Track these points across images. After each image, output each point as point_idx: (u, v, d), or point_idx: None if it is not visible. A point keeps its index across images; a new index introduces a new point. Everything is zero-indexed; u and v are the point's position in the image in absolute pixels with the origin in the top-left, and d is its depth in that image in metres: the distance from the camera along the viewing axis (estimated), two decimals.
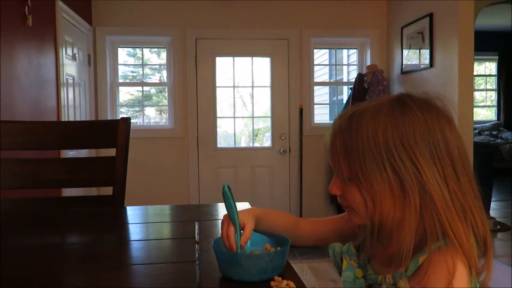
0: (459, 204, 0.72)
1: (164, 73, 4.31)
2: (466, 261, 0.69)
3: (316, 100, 4.46)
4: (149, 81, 4.45)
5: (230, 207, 0.85)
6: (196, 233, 1.13)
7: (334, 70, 4.84)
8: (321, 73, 5.04)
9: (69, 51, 3.33)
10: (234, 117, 4.30)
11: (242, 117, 4.44)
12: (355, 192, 0.75)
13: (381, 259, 0.81)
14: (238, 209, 0.86)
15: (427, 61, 3.50)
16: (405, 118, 0.72)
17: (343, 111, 0.80)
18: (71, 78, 3.39)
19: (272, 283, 0.76)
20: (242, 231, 0.86)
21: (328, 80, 5.01)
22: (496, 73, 8.26)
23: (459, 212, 0.71)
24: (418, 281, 0.70)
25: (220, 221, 1.30)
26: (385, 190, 0.72)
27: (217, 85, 4.16)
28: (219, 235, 0.87)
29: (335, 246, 0.92)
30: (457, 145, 0.74)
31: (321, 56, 5.03)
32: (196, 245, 1.02)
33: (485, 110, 8.53)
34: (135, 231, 1.25)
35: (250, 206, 1.42)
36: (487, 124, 7.97)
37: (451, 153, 0.73)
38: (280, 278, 0.77)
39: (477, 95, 8.40)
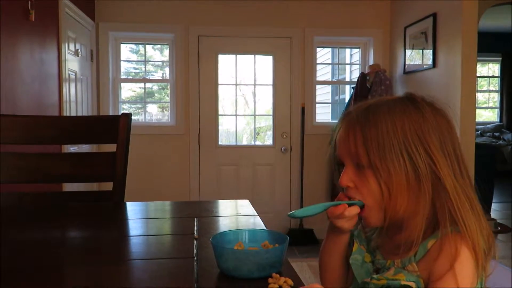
0: (466, 196, 0.76)
1: (167, 70, 4.31)
2: (472, 248, 0.72)
3: (318, 99, 4.45)
4: (151, 78, 4.45)
5: (316, 208, 0.83)
6: (195, 229, 1.13)
7: (336, 69, 4.83)
8: (323, 72, 5.03)
9: (72, 47, 3.34)
10: (236, 115, 4.29)
11: (244, 115, 4.44)
12: (372, 181, 0.78)
13: (388, 249, 0.84)
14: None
15: (430, 62, 3.49)
16: (419, 113, 0.78)
17: (356, 105, 0.84)
18: (73, 73, 3.40)
19: (270, 280, 0.76)
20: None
21: (330, 79, 5.00)
22: (499, 75, 8.24)
23: (467, 203, 0.76)
24: (426, 264, 0.74)
25: (220, 218, 1.31)
26: (401, 177, 0.76)
27: (219, 82, 4.15)
28: (218, 231, 0.87)
29: None
30: (459, 146, 0.80)
31: (323, 55, 5.01)
32: (195, 241, 1.02)
33: (487, 112, 8.52)
34: (134, 227, 1.26)
35: (250, 204, 1.43)
36: (489, 126, 7.95)
37: (456, 151, 0.78)
38: (278, 275, 0.77)
39: (480, 97, 8.38)
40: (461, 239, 0.72)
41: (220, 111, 4.21)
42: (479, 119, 7.97)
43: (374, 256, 0.86)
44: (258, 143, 4.43)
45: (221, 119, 4.22)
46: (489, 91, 8.46)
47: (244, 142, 4.43)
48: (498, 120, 8.23)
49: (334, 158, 0.86)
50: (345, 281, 0.95)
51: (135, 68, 4.44)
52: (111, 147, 1.55)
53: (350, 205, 0.81)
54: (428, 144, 0.75)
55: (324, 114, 4.76)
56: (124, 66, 4.27)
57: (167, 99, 4.29)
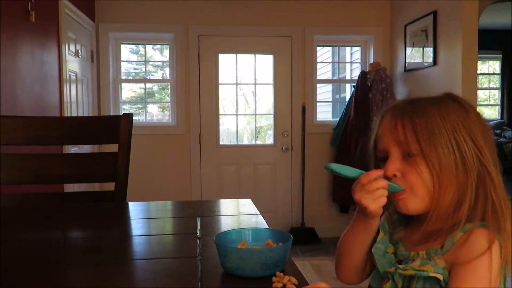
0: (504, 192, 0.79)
1: (167, 70, 4.31)
2: (503, 242, 0.74)
3: (318, 98, 4.45)
4: (151, 78, 4.45)
5: (351, 171, 0.81)
6: (198, 228, 1.13)
7: (337, 67, 4.82)
8: (324, 71, 5.02)
9: (72, 48, 3.33)
10: (237, 115, 4.29)
11: (245, 115, 4.44)
12: (423, 168, 0.78)
13: (413, 240, 0.84)
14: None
15: (430, 59, 3.48)
16: (462, 108, 0.81)
17: (398, 100, 0.87)
18: (74, 74, 3.39)
19: (274, 279, 0.76)
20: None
21: (331, 78, 4.99)
22: (500, 72, 8.22)
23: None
24: (451, 255, 0.75)
25: (222, 217, 1.30)
26: (451, 165, 0.77)
27: (219, 82, 4.15)
28: (221, 230, 0.87)
29: None
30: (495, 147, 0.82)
31: (324, 53, 5.01)
32: (198, 241, 1.02)
33: (488, 109, 8.50)
34: (137, 227, 1.25)
35: (252, 203, 1.43)
36: (490, 123, 7.93)
37: (493, 146, 0.81)
38: (282, 274, 0.77)
39: (481, 94, 8.37)
40: (496, 231, 0.74)
41: (221, 111, 4.21)
42: None
43: (396, 248, 0.86)
44: (259, 142, 4.42)
45: (221, 119, 4.22)
46: (490, 88, 8.44)
47: (245, 141, 4.43)
48: (499, 118, 8.21)
49: (373, 152, 0.87)
50: (361, 275, 0.93)
51: (135, 69, 4.43)
52: (113, 148, 1.55)
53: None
54: (474, 134, 0.78)
55: (324, 112, 4.76)
56: (124, 67, 4.26)
57: (168, 99, 4.29)
